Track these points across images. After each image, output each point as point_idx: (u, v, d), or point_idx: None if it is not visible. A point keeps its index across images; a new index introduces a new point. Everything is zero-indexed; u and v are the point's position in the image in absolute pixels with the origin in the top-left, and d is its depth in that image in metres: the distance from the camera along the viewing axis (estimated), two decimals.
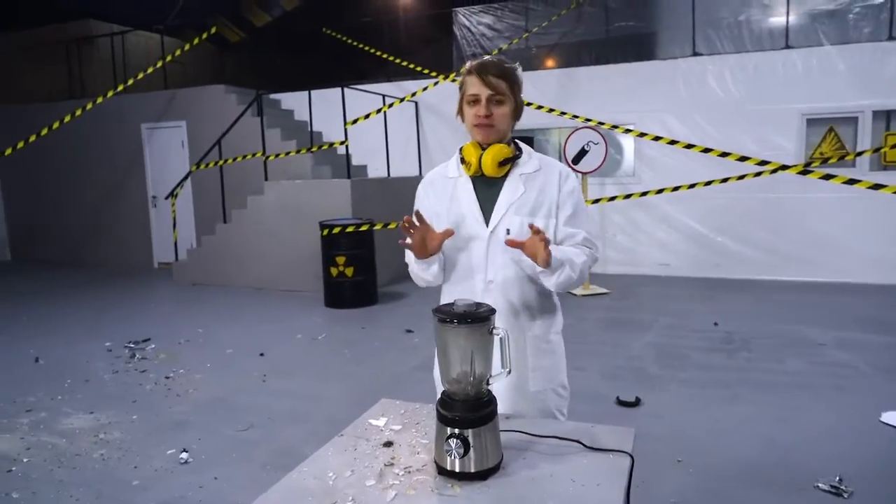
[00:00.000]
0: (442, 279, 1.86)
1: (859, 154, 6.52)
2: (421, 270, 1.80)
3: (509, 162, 1.76)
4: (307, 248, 7.36)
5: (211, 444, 3.47)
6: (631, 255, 8.14)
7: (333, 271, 6.80)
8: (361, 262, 6.83)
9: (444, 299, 1.90)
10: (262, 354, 5.15)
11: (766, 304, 6.42)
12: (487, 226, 1.76)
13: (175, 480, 3.06)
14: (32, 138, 7.68)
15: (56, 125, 7.91)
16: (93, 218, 10.09)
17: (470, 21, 8.95)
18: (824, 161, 6.93)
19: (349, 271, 6.78)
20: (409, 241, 1.69)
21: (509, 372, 1.48)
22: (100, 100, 8.34)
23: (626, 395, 4.03)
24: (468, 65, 1.74)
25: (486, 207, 1.77)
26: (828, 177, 4.74)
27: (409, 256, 1.82)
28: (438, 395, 1.95)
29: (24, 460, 3.30)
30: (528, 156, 1.81)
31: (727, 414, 3.78)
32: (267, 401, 4.13)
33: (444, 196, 1.83)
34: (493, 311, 1.45)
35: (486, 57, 1.76)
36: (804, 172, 5.11)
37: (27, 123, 8.98)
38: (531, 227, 1.59)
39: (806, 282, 7.31)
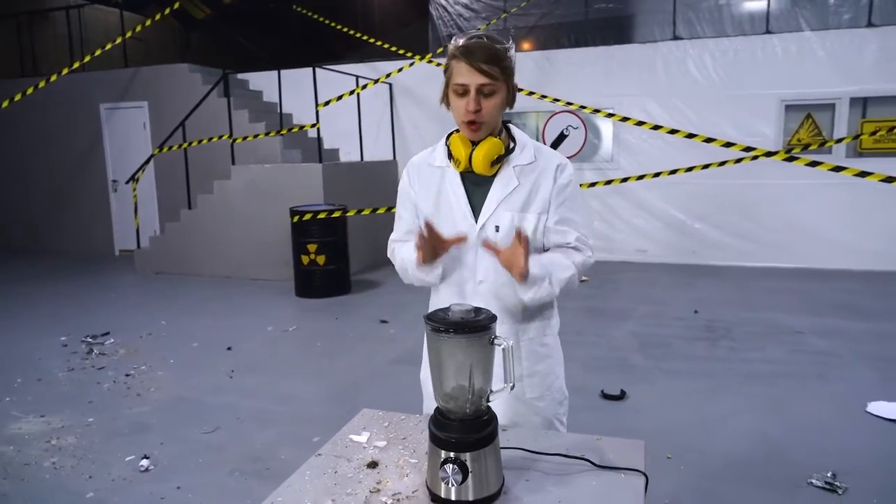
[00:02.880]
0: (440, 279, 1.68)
1: (839, 141, 6.49)
2: (424, 274, 1.62)
3: (502, 159, 1.58)
4: (277, 234, 7.08)
5: (174, 449, 3.23)
6: (608, 242, 8.04)
7: (304, 259, 6.54)
8: (334, 249, 6.59)
9: (432, 301, 1.72)
10: (229, 348, 4.91)
11: (744, 291, 6.38)
12: (476, 222, 1.59)
13: (134, 491, 2.83)
14: None
15: (6, 104, 7.44)
16: (50, 203, 9.60)
17: (447, 0, 8.68)
18: (805, 148, 6.89)
19: (321, 259, 6.53)
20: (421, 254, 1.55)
21: (513, 387, 1.30)
22: (54, 78, 7.87)
23: (611, 387, 3.91)
24: (454, 45, 1.51)
25: (476, 202, 1.60)
26: (814, 164, 4.67)
27: (405, 259, 1.66)
28: (426, 402, 1.80)
29: None
30: (522, 147, 1.62)
31: (714, 406, 3.69)
32: (235, 400, 3.90)
33: (430, 187, 1.64)
34: (493, 318, 1.27)
35: (474, 36, 1.51)
36: (790, 159, 5.04)
37: None
38: (517, 234, 1.44)
39: (780, 268, 7.31)
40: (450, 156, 1.61)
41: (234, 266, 7.55)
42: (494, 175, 1.59)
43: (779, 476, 2.87)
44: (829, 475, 2.82)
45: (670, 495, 2.74)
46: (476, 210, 1.59)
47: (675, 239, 7.79)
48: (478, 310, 1.28)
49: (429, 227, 1.51)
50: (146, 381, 4.24)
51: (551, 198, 1.60)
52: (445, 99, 1.58)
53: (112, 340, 5.15)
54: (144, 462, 3.07)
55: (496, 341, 1.26)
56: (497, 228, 1.57)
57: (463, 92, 1.50)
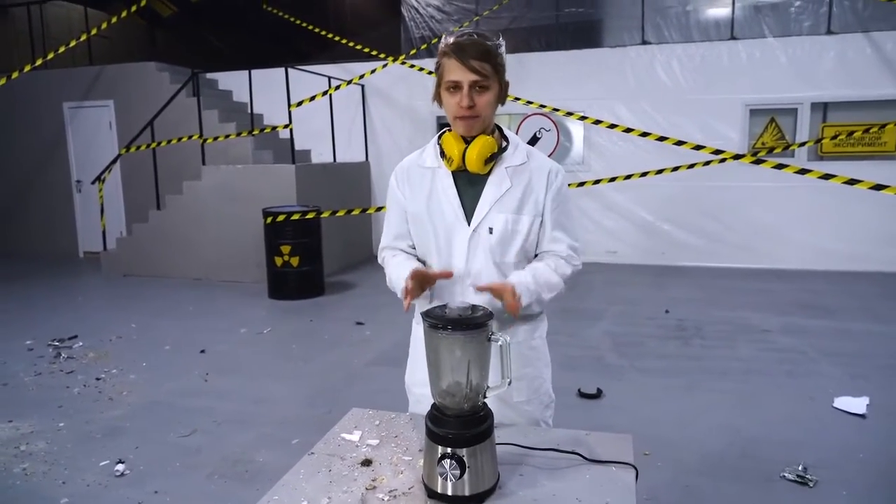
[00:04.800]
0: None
1: (802, 145, 6.69)
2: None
3: (496, 157, 1.57)
4: (248, 236, 6.99)
5: (150, 453, 3.17)
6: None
7: (278, 261, 6.48)
8: (308, 251, 6.53)
9: (420, 302, 1.71)
10: (202, 351, 4.83)
11: (712, 291, 6.53)
12: (469, 224, 1.58)
13: (110, 496, 2.76)
14: None
15: None
16: (11, 204, 9.30)
17: (419, 2, 8.68)
18: (769, 151, 7.09)
19: (295, 261, 6.47)
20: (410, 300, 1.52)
21: (510, 382, 1.31)
22: (15, 75, 7.64)
23: (587, 386, 3.97)
24: (445, 43, 1.51)
25: (469, 204, 1.59)
26: (781, 166, 4.81)
27: (394, 281, 1.64)
28: (412, 406, 1.79)
29: None
30: (515, 147, 1.62)
31: (688, 403, 3.77)
32: (211, 402, 3.84)
33: (421, 189, 1.62)
34: (490, 315, 1.28)
35: (464, 33, 1.52)
36: (757, 162, 5.19)
37: None
38: (510, 291, 1.49)
39: (745, 268, 7.50)
40: (442, 154, 1.59)
41: (204, 268, 7.43)
42: (486, 176, 1.58)
43: (753, 470, 2.95)
44: (800, 468, 2.90)
45: (649, 491, 2.78)
46: (468, 211, 1.58)
47: (644, 240, 7.93)
48: (474, 307, 1.30)
49: (417, 275, 1.50)
50: (118, 384, 4.15)
51: (546, 202, 1.60)
52: (438, 98, 1.58)
53: (80, 344, 5.02)
54: (120, 467, 3.00)
55: (493, 338, 1.28)
56: (490, 230, 1.56)
57: (455, 88, 1.50)
